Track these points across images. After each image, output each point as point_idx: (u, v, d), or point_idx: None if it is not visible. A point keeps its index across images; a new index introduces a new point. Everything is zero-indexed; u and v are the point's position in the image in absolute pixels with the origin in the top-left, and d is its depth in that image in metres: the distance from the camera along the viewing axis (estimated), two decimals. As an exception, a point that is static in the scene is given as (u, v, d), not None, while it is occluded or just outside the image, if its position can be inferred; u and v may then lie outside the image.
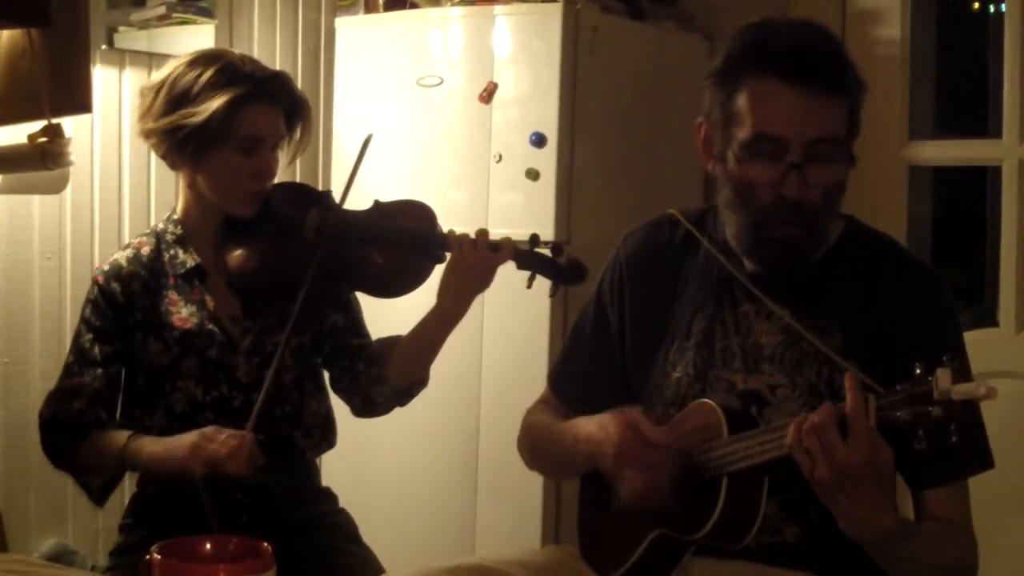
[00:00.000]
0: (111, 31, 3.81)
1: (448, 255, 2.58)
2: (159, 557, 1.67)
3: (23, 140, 2.72)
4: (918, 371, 1.71)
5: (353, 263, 2.60)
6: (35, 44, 2.65)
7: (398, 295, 2.62)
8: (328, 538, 2.61)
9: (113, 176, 3.57)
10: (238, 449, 2.34)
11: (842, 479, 1.79)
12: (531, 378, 3.47)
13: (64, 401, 2.51)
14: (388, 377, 2.62)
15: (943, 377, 1.67)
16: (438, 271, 2.61)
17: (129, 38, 3.78)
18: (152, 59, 3.63)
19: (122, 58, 3.59)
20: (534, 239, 2.62)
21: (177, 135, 2.50)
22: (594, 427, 2.10)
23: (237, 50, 3.71)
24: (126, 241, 3.42)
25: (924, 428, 1.70)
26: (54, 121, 2.69)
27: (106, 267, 2.59)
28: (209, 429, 2.39)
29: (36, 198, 3.37)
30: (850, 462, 1.77)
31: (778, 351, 2.06)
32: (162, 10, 3.80)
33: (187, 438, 2.39)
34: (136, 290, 2.55)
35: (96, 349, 2.52)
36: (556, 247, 2.64)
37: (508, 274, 2.61)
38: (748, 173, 2.00)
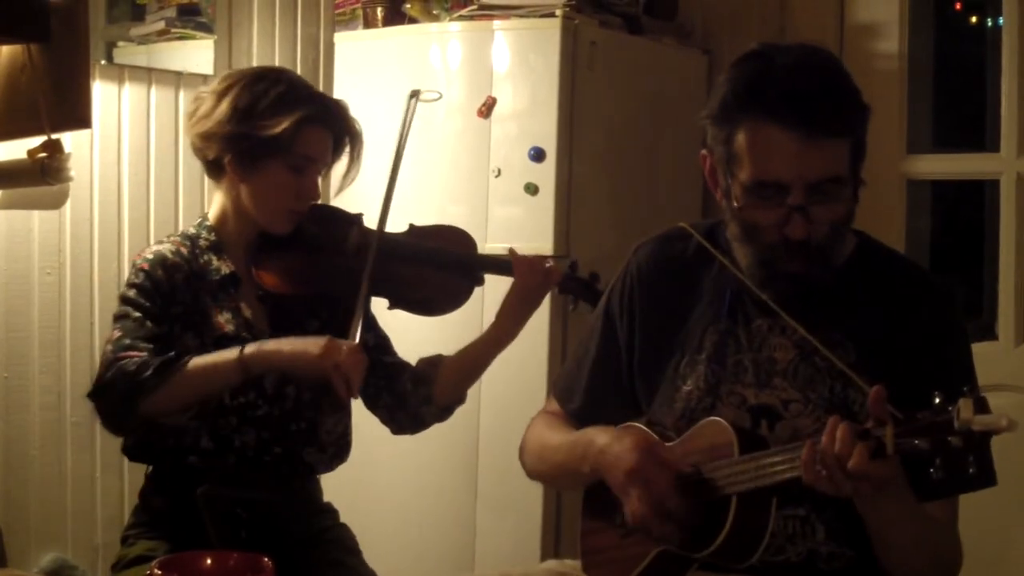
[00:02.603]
0: (110, 46, 3.82)
1: (485, 278, 2.70)
2: (160, 572, 1.67)
3: (23, 155, 2.73)
4: (937, 400, 1.70)
5: (398, 282, 2.65)
6: (35, 59, 2.66)
7: (439, 314, 2.70)
8: (329, 552, 2.61)
9: (113, 191, 3.57)
10: (360, 361, 2.43)
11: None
12: (531, 390, 3.47)
13: (122, 362, 2.39)
14: (435, 397, 2.66)
15: (965, 408, 1.65)
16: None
17: (128, 53, 3.79)
18: (151, 74, 3.64)
19: (121, 73, 3.60)
20: (573, 266, 2.75)
21: (241, 145, 2.52)
22: (609, 439, 2.09)
23: (236, 66, 3.75)
24: (126, 256, 3.42)
25: (942, 457, 1.69)
26: (54, 136, 2.70)
27: (149, 255, 2.55)
28: (331, 338, 2.43)
29: (36, 213, 3.37)
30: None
31: (791, 366, 2.06)
32: (161, 25, 3.80)
33: (317, 340, 2.43)
34: (179, 282, 2.53)
35: (148, 326, 2.46)
36: (593, 275, 2.73)
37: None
38: (751, 215, 2.00)
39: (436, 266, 2.69)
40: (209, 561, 1.80)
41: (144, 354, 2.41)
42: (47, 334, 3.44)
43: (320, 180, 2.66)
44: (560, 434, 2.29)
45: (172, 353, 2.41)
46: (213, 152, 2.57)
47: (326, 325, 2.59)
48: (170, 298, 2.51)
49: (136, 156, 3.59)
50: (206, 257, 2.59)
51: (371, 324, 2.71)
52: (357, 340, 2.46)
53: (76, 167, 2.86)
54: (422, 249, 2.70)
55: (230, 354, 2.42)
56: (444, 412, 2.71)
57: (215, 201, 2.65)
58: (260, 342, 2.45)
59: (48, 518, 3.47)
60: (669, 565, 2.05)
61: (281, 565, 1.80)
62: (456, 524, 3.75)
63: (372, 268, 2.56)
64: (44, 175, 2.72)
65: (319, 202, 2.69)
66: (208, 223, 2.64)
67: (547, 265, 2.67)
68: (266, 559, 1.76)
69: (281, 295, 2.59)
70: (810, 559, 2.02)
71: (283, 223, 2.61)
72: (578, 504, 2.31)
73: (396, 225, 2.73)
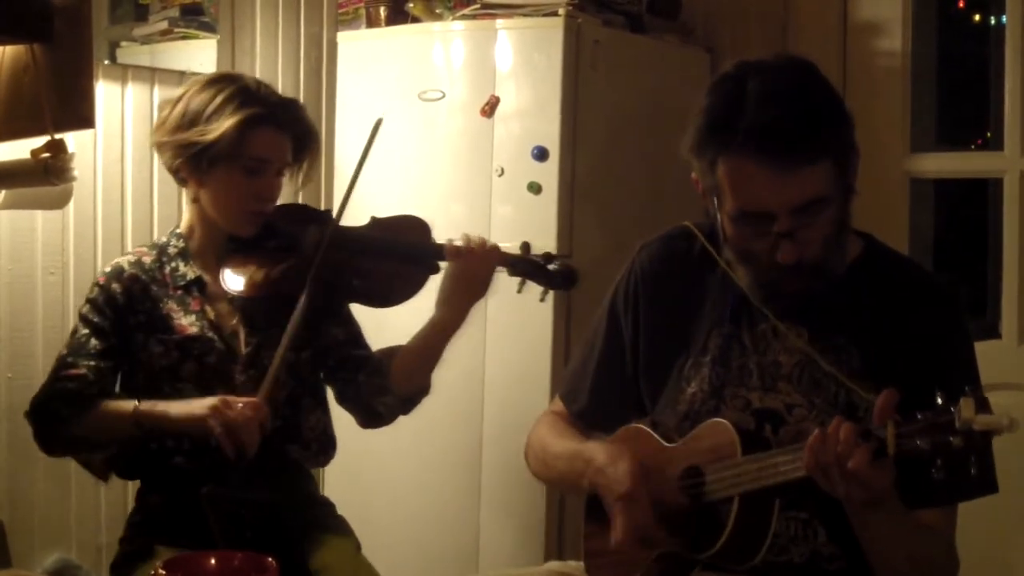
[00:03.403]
0: (114, 46, 3.82)
1: (443, 265, 2.63)
2: (164, 573, 1.68)
3: (26, 155, 2.72)
4: (939, 400, 1.70)
5: (350, 275, 2.64)
6: (38, 59, 2.65)
7: (394, 304, 2.65)
8: (330, 541, 2.62)
9: (116, 191, 3.57)
10: (252, 420, 2.38)
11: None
12: (534, 389, 3.47)
13: (58, 383, 2.53)
14: (391, 387, 2.64)
15: (966, 407, 1.64)
16: (435, 281, 2.65)
17: (132, 53, 3.79)
18: (155, 74, 3.64)
19: (125, 73, 3.59)
20: (525, 247, 2.65)
21: (189, 151, 2.55)
22: (605, 461, 2.10)
23: (239, 65, 3.75)
24: (129, 256, 3.42)
25: (943, 458, 1.68)
26: (57, 136, 2.69)
27: (107, 269, 2.63)
28: (225, 397, 2.42)
29: (39, 213, 3.37)
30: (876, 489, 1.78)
31: (796, 370, 2.06)
32: (164, 25, 3.81)
33: (206, 401, 2.42)
34: (136, 293, 2.59)
35: (92, 343, 2.55)
36: (547, 255, 2.67)
37: (509, 286, 2.63)
38: (741, 242, 2.01)
39: (386, 257, 2.66)
40: (213, 561, 1.80)
41: (83, 371, 2.51)
42: (51, 334, 3.43)
43: (285, 181, 2.68)
44: (563, 441, 2.29)
45: (96, 388, 2.51)
46: (168, 160, 2.62)
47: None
48: (127, 309, 2.58)
49: (139, 156, 3.59)
50: (174, 264, 2.64)
51: (344, 319, 2.72)
52: (261, 396, 2.43)
53: (79, 167, 2.85)
54: (372, 241, 2.68)
55: (127, 406, 2.47)
56: (406, 404, 2.70)
57: (184, 208, 2.69)
58: (155, 402, 2.48)
59: (52, 518, 3.47)
60: (672, 567, 2.05)
61: (284, 564, 1.81)
62: (459, 525, 3.75)
63: (317, 268, 2.54)
64: (47, 175, 2.72)
65: (297, 202, 2.71)
66: (178, 230, 2.69)
67: (484, 248, 2.61)
68: (270, 559, 1.76)
69: (249, 299, 2.60)
70: (813, 560, 2.02)
71: (245, 225, 2.63)
72: (581, 505, 2.32)
73: (365, 219, 2.73)
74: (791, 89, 1.95)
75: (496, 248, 2.62)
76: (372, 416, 2.71)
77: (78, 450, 2.63)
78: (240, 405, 2.39)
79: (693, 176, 2.09)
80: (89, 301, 2.60)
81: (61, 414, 2.50)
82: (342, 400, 2.73)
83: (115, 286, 2.59)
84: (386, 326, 2.77)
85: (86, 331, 2.56)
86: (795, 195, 1.92)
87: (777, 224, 1.94)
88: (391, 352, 2.70)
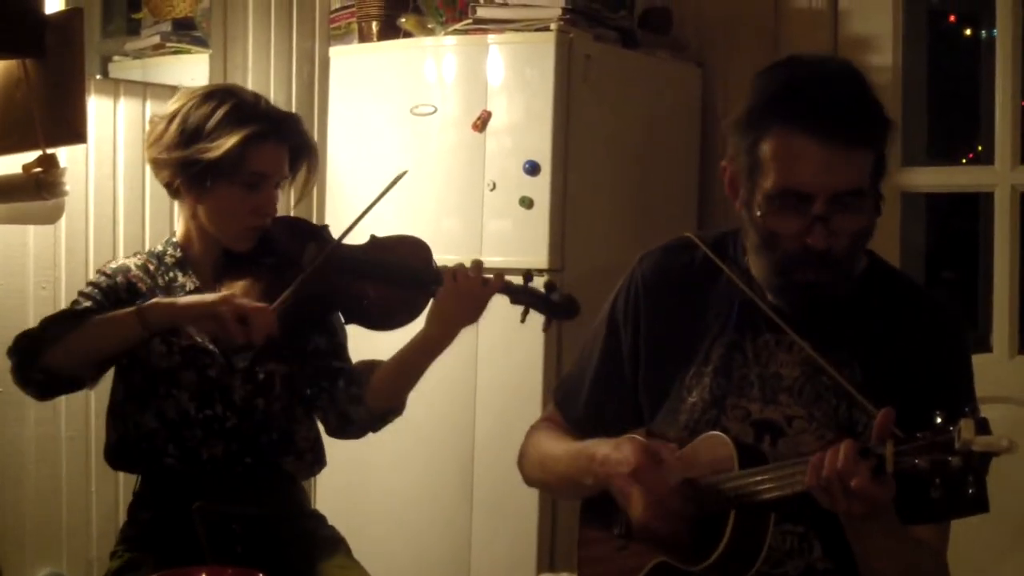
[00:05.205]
0: (106, 61, 3.83)
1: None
2: (155, 588, 1.68)
3: (18, 170, 2.73)
4: (939, 419, 1.70)
5: (349, 296, 2.62)
6: (30, 74, 2.66)
7: (393, 328, 2.64)
8: (324, 553, 2.61)
9: (108, 206, 3.57)
10: (263, 312, 2.41)
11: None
12: (526, 399, 3.48)
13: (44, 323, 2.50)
14: (366, 398, 2.63)
15: (966, 428, 1.64)
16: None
17: (124, 68, 3.79)
18: (147, 88, 3.64)
19: (117, 88, 3.59)
20: (528, 276, 2.64)
21: (189, 169, 2.53)
22: (609, 449, 2.09)
23: (231, 80, 3.75)
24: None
25: (941, 477, 1.68)
26: (49, 151, 2.70)
27: (113, 265, 2.61)
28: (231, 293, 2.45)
29: (31, 228, 3.37)
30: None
31: (797, 383, 2.06)
32: (156, 40, 3.81)
33: (214, 295, 2.45)
34: (143, 291, 2.57)
35: (87, 306, 2.52)
36: (550, 284, 2.66)
37: (511, 315, 2.63)
38: (773, 224, 1.99)
39: (389, 281, 2.64)
40: (203, 576, 1.80)
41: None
42: (42, 349, 3.43)
43: (280, 193, 2.67)
44: (561, 444, 2.28)
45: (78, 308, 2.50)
46: (165, 176, 2.60)
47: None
48: (128, 304, 2.51)
49: (131, 170, 3.59)
50: (172, 273, 2.62)
51: (331, 329, 2.70)
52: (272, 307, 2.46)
53: (71, 181, 2.85)
54: (372, 263, 2.65)
55: (128, 308, 2.45)
56: (378, 421, 2.67)
57: (180, 221, 2.67)
58: (158, 298, 2.49)
59: (43, 533, 3.46)
60: (666, 578, 2.05)
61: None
62: (452, 534, 3.75)
63: (314, 271, 2.54)
64: (39, 190, 2.73)
65: (290, 215, 2.69)
66: (174, 240, 2.67)
67: (483, 275, 2.58)
68: (260, 574, 1.77)
69: None
70: (807, 574, 2.02)
71: (243, 240, 2.61)
72: (574, 514, 2.31)
73: (360, 234, 2.70)
74: (847, 76, 2.01)
75: (499, 276, 2.60)
76: (344, 423, 2.66)
77: (61, 376, 2.47)
78: (248, 298, 2.44)
79: (722, 164, 2.09)
80: (91, 283, 2.58)
81: (47, 334, 2.44)
82: (313, 405, 2.69)
83: (120, 279, 2.57)
84: (374, 339, 2.76)
85: (87, 303, 2.53)
86: (838, 179, 1.94)
87: (815, 206, 1.94)
88: (371, 365, 2.67)
